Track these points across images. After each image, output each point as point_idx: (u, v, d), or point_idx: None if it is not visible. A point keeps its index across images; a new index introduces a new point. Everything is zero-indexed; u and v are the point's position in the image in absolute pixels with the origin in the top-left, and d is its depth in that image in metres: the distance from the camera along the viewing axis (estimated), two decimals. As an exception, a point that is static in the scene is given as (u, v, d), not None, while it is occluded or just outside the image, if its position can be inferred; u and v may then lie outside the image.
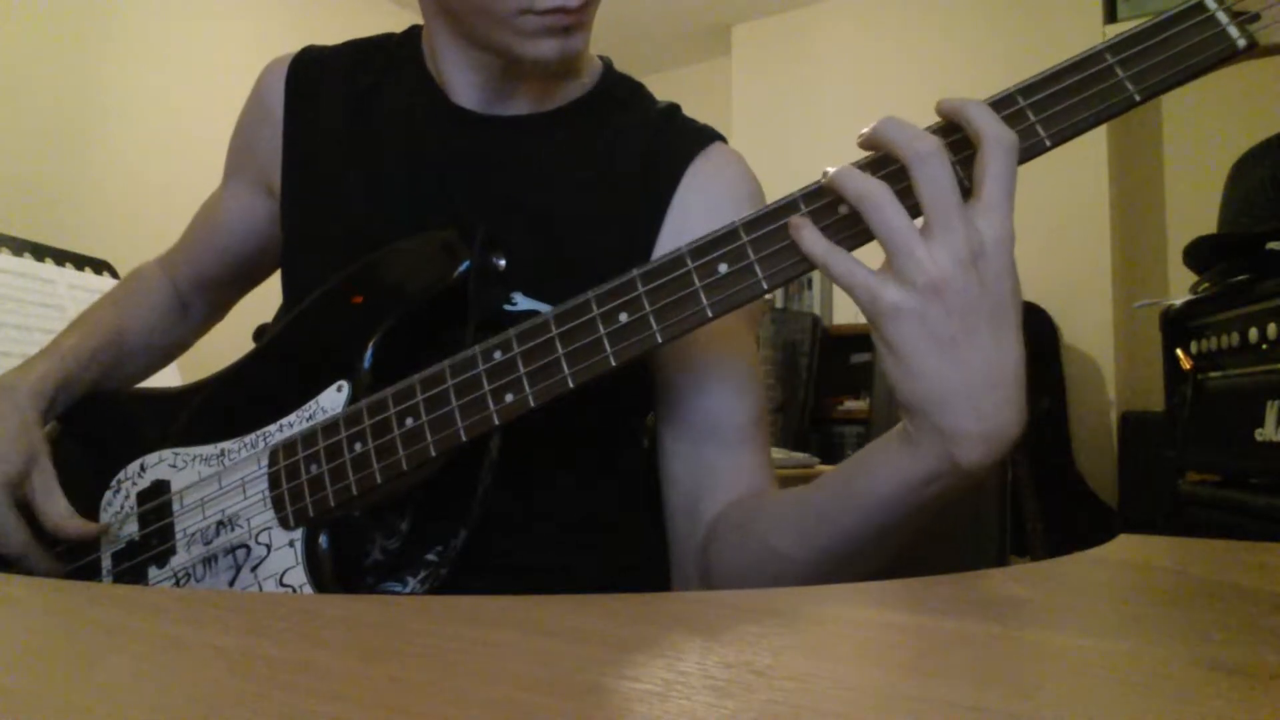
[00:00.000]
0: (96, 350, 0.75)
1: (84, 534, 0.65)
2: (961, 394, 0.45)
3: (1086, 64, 0.47)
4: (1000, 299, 0.45)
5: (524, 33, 0.60)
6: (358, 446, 0.57)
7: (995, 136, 0.45)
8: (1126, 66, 0.47)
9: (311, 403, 0.61)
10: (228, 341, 0.92)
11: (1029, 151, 0.47)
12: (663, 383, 0.67)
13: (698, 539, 0.63)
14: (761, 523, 0.57)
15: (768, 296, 0.52)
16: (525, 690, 0.24)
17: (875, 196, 0.46)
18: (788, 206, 0.49)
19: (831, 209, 0.49)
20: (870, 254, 0.47)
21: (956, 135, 0.47)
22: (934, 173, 0.44)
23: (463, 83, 0.69)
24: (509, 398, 0.53)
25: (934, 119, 0.49)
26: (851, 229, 0.48)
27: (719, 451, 0.64)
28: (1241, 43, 0.46)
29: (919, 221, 0.46)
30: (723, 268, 0.50)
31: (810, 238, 0.48)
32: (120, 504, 0.67)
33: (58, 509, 0.65)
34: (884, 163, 0.48)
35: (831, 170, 0.48)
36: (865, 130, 0.48)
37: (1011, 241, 0.45)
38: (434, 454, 0.55)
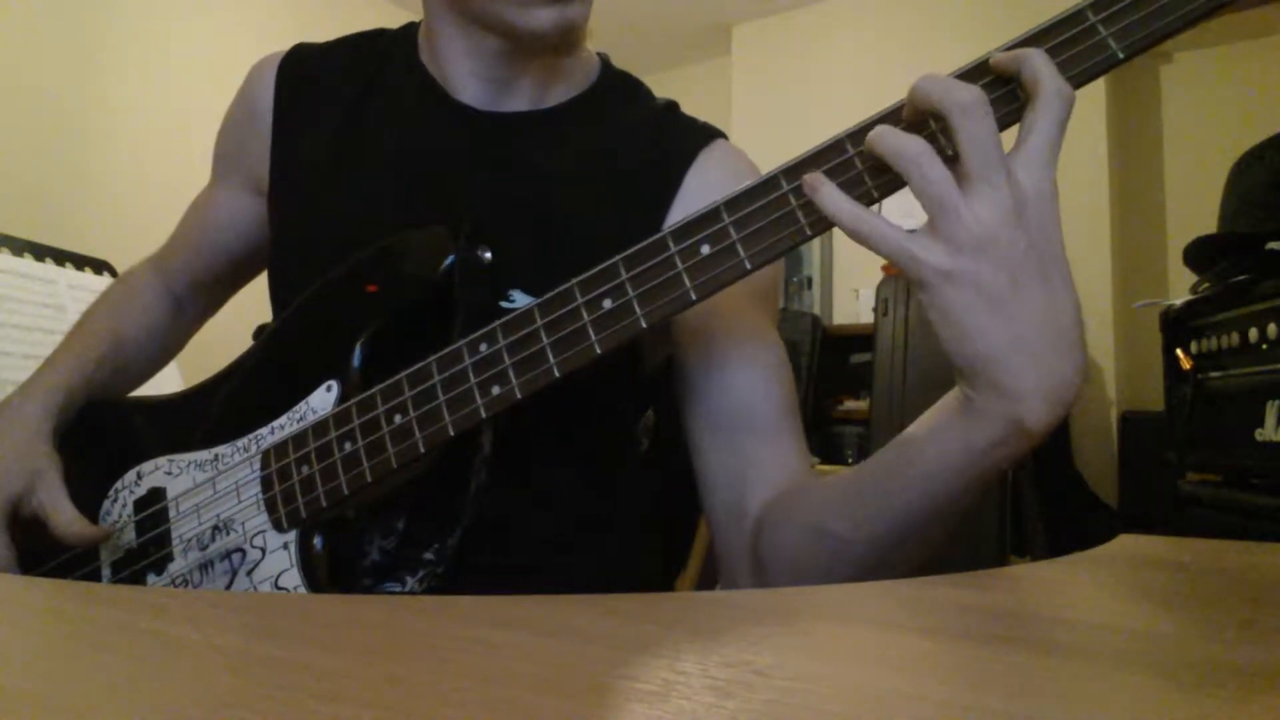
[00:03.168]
0: (99, 362, 0.74)
1: (93, 536, 0.64)
2: (1018, 350, 0.43)
3: (1067, 24, 0.46)
4: (1048, 250, 0.44)
5: (521, 2, 0.60)
6: (347, 446, 0.57)
7: (1055, 89, 0.44)
8: (1109, 24, 0.45)
9: (302, 404, 0.60)
10: (228, 341, 0.92)
11: (1012, 116, 0.46)
12: (688, 379, 0.65)
13: (745, 536, 0.60)
14: (812, 507, 0.55)
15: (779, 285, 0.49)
16: (525, 690, 0.24)
17: (914, 152, 0.44)
18: (768, 184, 0.48)
19: None
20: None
21: (990, 77, 0.46)
22: (977, 125, 0.43)
23: (462, 74, 0.68)
24: (496, 390, 0.53)
25: None
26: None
27: (757, 443, 0.62)
28: None
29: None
30: (705, 249, 0.49)
31: (832, 197, 0.46)
32: (118, 513, 0.67)
33: (64, 517, 0.64)
34: (917, 128, 0.46)
35: (870, 135, 0.46)
36: (908, 93, 0.46)
37: (1054, 194, 0.44)
38: (423, 450, 0.55)
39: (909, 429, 0.51)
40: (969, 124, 0.43)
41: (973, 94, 0.43)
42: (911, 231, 0.45)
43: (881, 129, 0.45)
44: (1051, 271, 0.44)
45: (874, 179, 0.47)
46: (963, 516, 0.51)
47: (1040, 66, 0.44)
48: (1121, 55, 0.45)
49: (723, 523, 0.63)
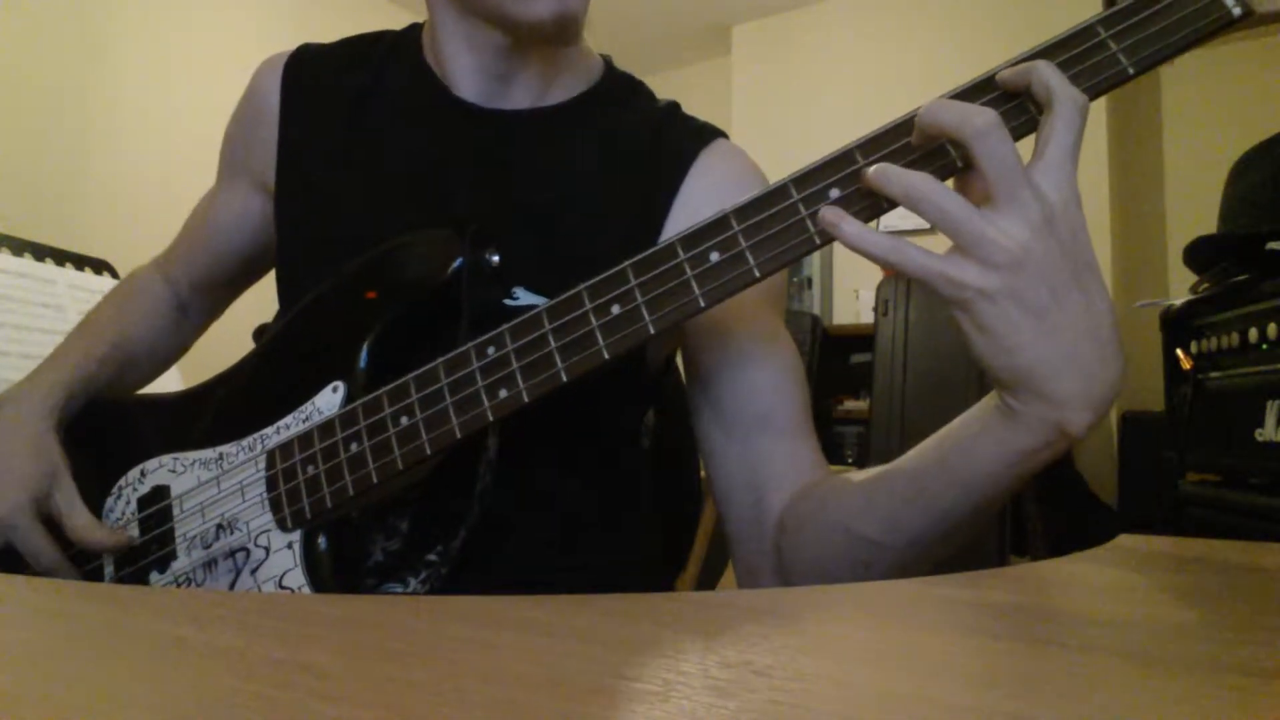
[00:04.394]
0: (102, 359, 0.74)
1: (116, 543, 0.65)
2: (1062, 359, 0.44)
3: (1078, 38, 0.47)
4: (1079, 256, 0.44)
5: None
6: (354, 446, 0.57)
7: (1069, 96, 0.44)
8: (1119, 39, 0.46)
9: (308, 404, 0.61)
10: (228, 342, 0.92)
11: (1022, 129, 0.47)
12: (702, 380, 0.65)
13: (767, 537, 0.60)
14: (842, 512, 0.55)
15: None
16: (525, 690, 0.24)
17: (925, 191, 0.44)
18: (778, 192, 0.49)
19: (822, 195, 0.48)
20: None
21: (994, 93, 0.47)
22: (997, 147, 0.43)
23: (464, 70, 0.68)
24: (503, 393, 0.53)
25: None
26: (850, 209, 0.47)
27: (775, 443, 0.62)
28: (1237, 11, 0.45)
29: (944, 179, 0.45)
30: (714, 256, 0.49)
31: (856, 231, 0.46)
32: (121, 510, 0.67)
33: (83, 521, 0.64)
34: (906, 149, 0.47)
35: (869, 171, 0.46)
36: (916, 124, 0.46)
37: (1078, 200, 0.44)
38: (429, 452, 0.55)
39: (944, 433, 0.51)
40: (989, 146, 0.43)
41: (988, 118, 0.43)
42: (903, 236, 0.46)
43: (883, 166, 0.46)
44: (1086, 278, 0.44)
45: None
46: (996, 514, 0.51)
47: (1050, 77, 0.44)
48: (1132, 71, 0.46)
49: (741, 525, 0.63)
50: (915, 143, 0.47)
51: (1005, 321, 0.44)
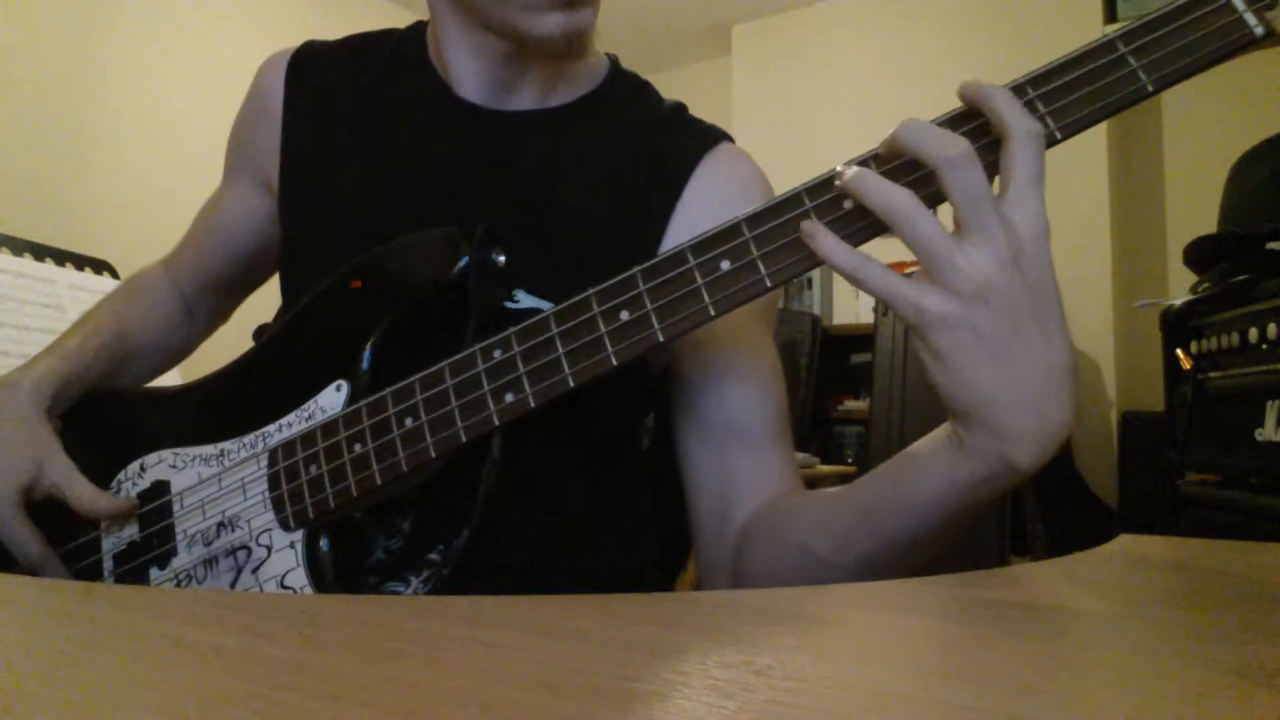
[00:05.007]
0: (99, 350, 0.74)
1: (119, 509, 0.64)
2: (1014, 394, 0.44)
3: (1097, 53, 0.46)
4: (1044, 294, 0.44)
5: (528, 6, 0.60)
6: (357, 447, 0.57)
7: (1024, 129, 0.44)
8: (1139, 56, 0.45)
9: (310, 402, 0.60)
10: (228, 341, 0.91)
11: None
12: (682, 387, 0.66)
13: (728, 544, 0.61)
14: (797, 527, 0.56)
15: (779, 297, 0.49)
16: (525, 690, 0.24)
17: (904, 208, 0.44)
18: (791, 201, 0.48)
19: (836, 204, 0.48)
20: (875, 246, 0.46)
21: (978, 121, 0.47)
22: (967, 178, 0.43)
23: (468, 73, 0.68)
24: (509, 398, 0.52)
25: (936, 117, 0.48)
26: (858, 224, 0.47)
27: (745, 454, 0.63)
28: (1259, 30, 0.44)
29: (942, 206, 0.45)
30: (725, 265, 0.49)
31: (831, 246, 0.46)
32: None
33: (85, 492, 0.64)
34: (905, 169, 0.47)
35: (847, 175, 0.46)
36: (886, 137, 0.46)
37: (1047, 234, 0.44)
38: (434, 455, 0.54)
39: (900, 457, 0.51)
40: (957, 177, 0.43)
41: (960, 148, 0.43)
42: (909, 274, 0.46)
43: (862, 172, 0.46)
44: (1048, 314, 0.44)
45: None
46: (949, 543, 0.51)
47: (1002, 107, 0.44)
48: (1151, 88, 0.45)
49: (707, 531, 0.64)
50: (882, 154, 0.47)
51: (961, 352, 0.44)
